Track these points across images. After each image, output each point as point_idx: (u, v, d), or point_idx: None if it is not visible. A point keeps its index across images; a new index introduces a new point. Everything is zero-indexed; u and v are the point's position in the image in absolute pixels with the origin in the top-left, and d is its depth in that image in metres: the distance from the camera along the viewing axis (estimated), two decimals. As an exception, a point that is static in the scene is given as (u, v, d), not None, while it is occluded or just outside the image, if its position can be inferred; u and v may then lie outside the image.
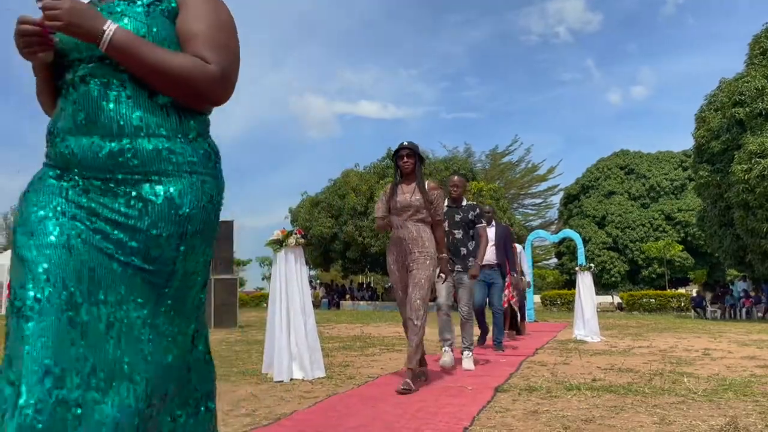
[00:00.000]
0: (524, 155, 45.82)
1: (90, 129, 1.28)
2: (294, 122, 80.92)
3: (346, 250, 29.27)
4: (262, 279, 51.84)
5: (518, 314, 8.91)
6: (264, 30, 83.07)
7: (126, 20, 1.31)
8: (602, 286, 36.46)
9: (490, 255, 6.67)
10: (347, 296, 30.55)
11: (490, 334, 7.06)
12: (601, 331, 8.43)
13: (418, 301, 4.11)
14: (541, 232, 21.66)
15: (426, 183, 4.46)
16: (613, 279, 38.07)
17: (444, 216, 4.80)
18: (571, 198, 42.77)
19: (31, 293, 1.20)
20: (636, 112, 77.83)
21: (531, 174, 45.93)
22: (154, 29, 1.33)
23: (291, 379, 4.43)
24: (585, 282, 8.46)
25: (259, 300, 29.15)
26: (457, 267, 5.14)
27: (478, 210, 5.39)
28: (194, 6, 1.39)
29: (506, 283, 7.56)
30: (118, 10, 1.32)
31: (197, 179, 1.34)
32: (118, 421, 1.17)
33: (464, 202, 5.42)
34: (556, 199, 45.94)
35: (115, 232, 1.27)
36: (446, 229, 5.13)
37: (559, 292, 27.74)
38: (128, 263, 1.26)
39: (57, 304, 1.19)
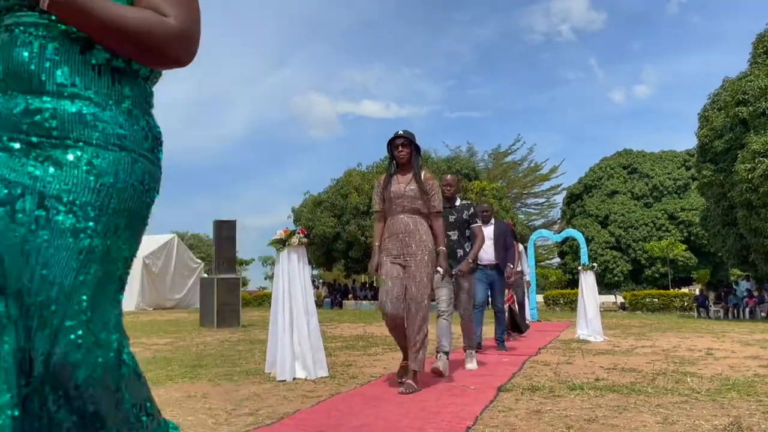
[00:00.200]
0: (527, 154, 45.82)
1: (9, 83, 1.12)
2: (297, 121, 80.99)
3: (348, 249, 29.28)
4: (265, 278, 51.98)
5: (517, 313, 8.74)
6: (267, 29, 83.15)
7: None
8: (605, 285, 36.44)
9: (490, 254, 6.59)
10: (350, 296, 30.54)
11: (488, 336, 6.88)
12: (604, 331, 8.42)
13: (423, 301, 3.99)
14: (544, 232, 21.64)
15: (422, 173, 4.24)
16: (616, 278, 38.03)
17: None
18: (574, 197, 42.73)
19: None
20: (639, 111, 77.77)
21: (534, 173, 45.88)
22: None
23: (294, 379, 4.43)
24: (588, 281, 8.45)
25: (262, 299, 29.15)
26: (455, 270, 4.96)
27: (472, 209, 5.21)
28: None
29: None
30: None
31: (127, 156, 1.16)
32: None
33: (458, 202, 5.24)
34: (559, 198, 45.95)
35: (25, 198, 1.09)
36: None
37: (562, 292, 27.69)
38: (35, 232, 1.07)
39: None
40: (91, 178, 1.11)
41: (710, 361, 5.68)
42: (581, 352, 6.46)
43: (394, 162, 4.29)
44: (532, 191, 46.52)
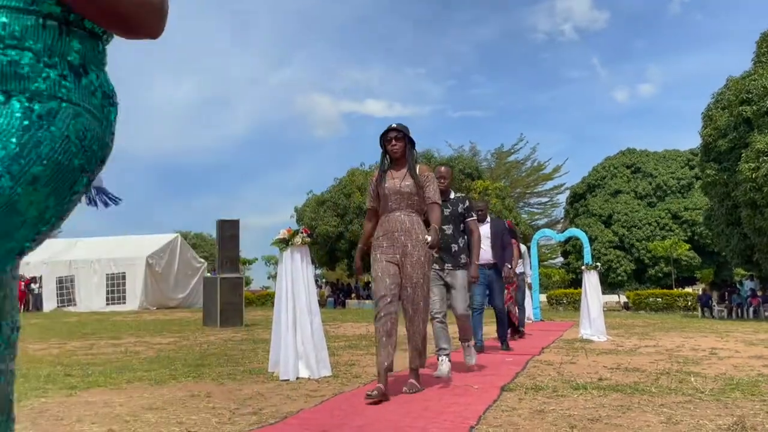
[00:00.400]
0: (530, 154, 45.71)
1: None
2: (300, 121, 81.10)
3: (351, 249, 29.26)
4: (268, 278, 52.10)
5: (516, 315, 8.52)
6: (270, 29, 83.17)
7: None
8: (608, 285, 36.37)
9: (487, 253, 6.44)
10: (353, 295, 30.54)
11: (490, 336, 6.80)
12: (607, 331, 8.41)
13: (421, 303, 3.88)
14: (547, 231, 21.62)
15: (417, 167, 4.02)
16: (620, 278, 37.98)
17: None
18: (577, 197, 42.69)
19: None
20: (642, 110, 77.65)
21: (537, 173, 45.80)
22: None
23: (297, 378, 4.44)
24: (591, 281, 8.43)
25: (265, 299, 29.18)
26: (448, 265, 4.74)
27: (468, 202, 4.96)
28: None
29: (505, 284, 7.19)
30: None
31: (69, 107, 1.04)
32: None
33: (452, 195, 4.99)
34: (562, 197, 45.89)
35: None
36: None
37: (565, 291, 27.66)
38: None
39: None
40: (24, 121, 0.99)
41: (714, 360, 5.67)
42: (584, 351, 6.45)
43: (388, 157, 4.07)
44: (535, 191, 46.46)
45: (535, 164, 45.68)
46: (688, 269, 37.55)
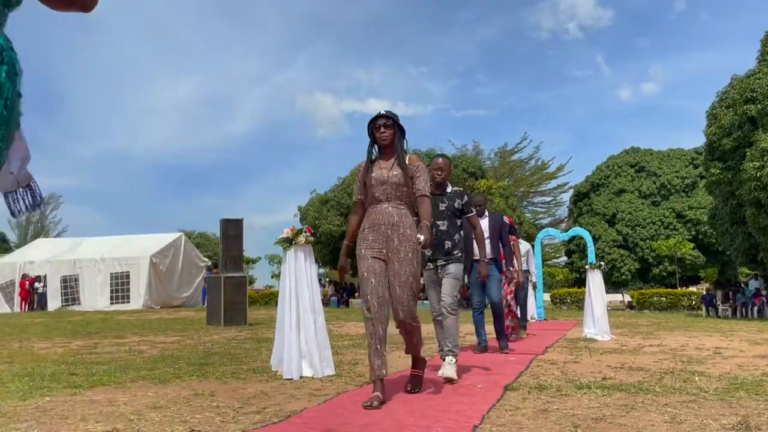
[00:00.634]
0: (534, 153, 45.72)
1: None
2: (303, 121, 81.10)
3: (355, 248, 29.32)
4: (272, 277, 52.10)
5: (516, 314, 8.33)
6: (272, 28, 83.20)
7: None
8: (612, 284, 36.33)
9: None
10: (356, 294, 30.55)
11: (492, 336, 6.63)
12: (611, 330, 8.39)
13: (411, 303, 3.60)
14: (551, 230, 21.59)
15: (407, 157, 3.78)
16: (624, 277, 37.91)
17: None
18: (581, 196, 42.62)
19: None
20: (647, 109, 77.40)
21: (540, 172, 45.78)
22: None
23: (301, 377, 4.44)
24: (595, 280, 8.42)
25: (269, 298, 29.24)
26: (440, 261, 4.53)
27: (466, 198, 4.70)
28: None
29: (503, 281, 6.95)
30: None
31: None
32: None
33: (449, 189, 4.74)
34: (566, 197, 45.84)
35: None
36: None
37: (569, 291, 27.65)
38: None
39: None
40: None
41: (718, 360, 5.66)
42: (588, 350, 6.44)
43: (376, 146, 3.82)
44: (539, 190, 46.44)
45: (539, 163, 45.69)
46: (692, 268, 37.46)
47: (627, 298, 30.27)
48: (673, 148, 41.95)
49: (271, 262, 49.89)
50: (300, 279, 4.68)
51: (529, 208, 45.37)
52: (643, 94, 75.09)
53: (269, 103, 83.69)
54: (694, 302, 24.72)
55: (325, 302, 25.32)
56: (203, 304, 20.46)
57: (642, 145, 43.36)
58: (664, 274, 37.29)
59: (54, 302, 21.78)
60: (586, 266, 8.75)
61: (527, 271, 8.58)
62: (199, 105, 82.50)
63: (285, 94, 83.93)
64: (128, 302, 21.49)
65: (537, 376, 4.55)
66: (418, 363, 3.94)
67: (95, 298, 21.65)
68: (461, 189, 4.82)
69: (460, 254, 4.57)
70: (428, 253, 4.53)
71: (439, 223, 4.54)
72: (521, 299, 8.78)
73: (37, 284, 22.17)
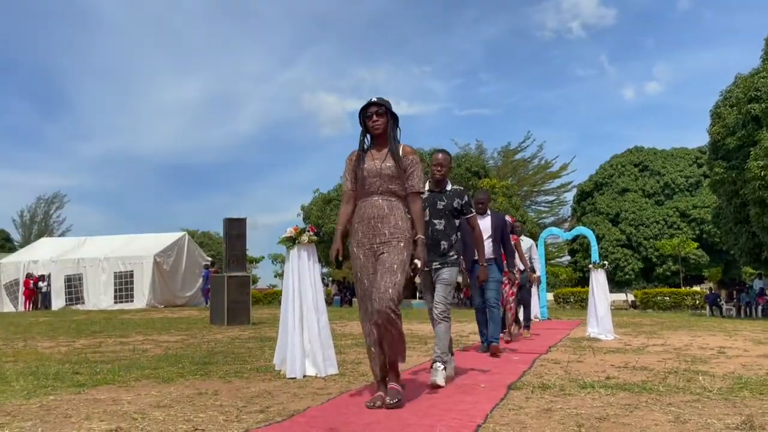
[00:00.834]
0: (537, 152, 45.54)
1: None
2: (307, 120, 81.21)
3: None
4: (275, 276, 52.14)
5: (516, 313, 8.25)
6: (276, 28, 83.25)
7: None
8: (616, 283, 36.30)
9: (486, 248, 5.98)
10: (359, 293, 30.55)
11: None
12: (614, 329, 8.38)
13: (390, 291, 3.22)
14: (554, 230, 21.55)
15: (401, 148, 3.56)
16: (627, 276, 37.88)
17: (424, 202, 4.00)
18: (584, 195, 42.59)
19: None
20: (650, 108, 77.32)
21: (544, 171, 45.65)
22: None
23: (304, 376, 4.44)
24: (598, 279, 8.41)
25: (272, 297, 29.25)
26: (435, 264, 4.33)
27: (466, 198, 4.50)
28: None
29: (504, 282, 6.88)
30: None
31: None
32: None
33: (449, 187, 4.55)
34: (570, 196, 45.79)
35: None
36: (426, 218, 4.32)
37: (573, 290, 27.59)
38: None
39: None
40: None
41: (722, 359, 5.64)
42: (592, 350, 6.43)
43: (368, 135, 3.61)
44: (542, 189, 46.33)
45: (542, 162, 45.55)
46: (696, 268, 37.41)
47: (630, 297, 30.20)
48: (677, 147, 41.89)
49: (275, 262, 49.97)
50: (303, 278, 4.68)
51: (533, 207, 45.27)
52: (646, 93, 75.07)
53: (273, 102, 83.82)
54: (697, 302, 24.65)
55: (328, 301, 25.33)
56: (206, 303, 20.48)
57: (646, 144, 43.34)
58: (668, 273, 37.24)
59: (58, 301, 21.82)
60: (590, 265, 8.74)
61: (525, 271, 8.43)
62: (204, 104, 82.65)
63: (289, 94, 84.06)
64: (132, 301, 21.53)
65: (540, 375, 4.54)
66: (393, 373, 3.47)
67: (99, 297, 21.69)
68: (462, 188, 4.63)
69: (455, 257, 4.40)
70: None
71: (436, 221, 4.40)
72: (525, 299, 8.74)
73: (41, 283, 22.22)
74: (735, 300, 22.96)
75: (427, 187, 4.47)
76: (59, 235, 47.76)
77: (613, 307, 12.06)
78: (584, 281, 33.86)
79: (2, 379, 4.37)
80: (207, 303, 21.87)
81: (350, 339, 7.82)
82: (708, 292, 25.50)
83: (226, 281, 11.10)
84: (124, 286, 21.87)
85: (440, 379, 3.99)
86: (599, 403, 3.41)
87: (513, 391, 3.83)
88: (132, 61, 79.37)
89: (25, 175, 78.69)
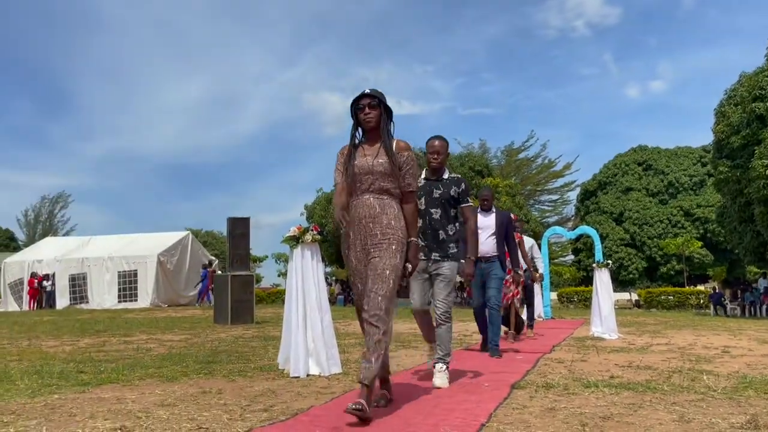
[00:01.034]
0: (540, 151, 45.53)
1: None
2: (310, 119, 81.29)
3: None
4: (279, 275, 52.24)
5: (519, 312, 8.11)
6: (279, 28, 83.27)
7: None
8: (620, 282, 36.22)
9: (490, 245, 5.87)
10: (363, 293, 30.56)
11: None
12: (618, 329, 8.37)
13: (378, 299, 3.07)
14: (558, 229, 21.52)
15: (394, 143, 3.36)
16: (631, 276, 37.79)
17: (420, 191, 3.85)
18: (588, 194, 42.52)
19: None
20: (654, 106, 77.24)
21: (547, 170, 45.61)
22: None
23: (308, 375, 4.44)
24: (602, 279, 8.40)
25: (276, 296, 29.30)
26: (434, 255, 4.13)
27: (463, 185, 4.29)
28: None
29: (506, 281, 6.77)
30: None
31: None
32: None
33: (446, 175, 4.34)
34: (573, 195, 45.72)
35: None
36: (422, 207, 4.18)
37: (576, 289, 27.57)
38: None
39: None
40: None
41: (727, 359, 5.63)
42: (596, 349, 6.43)
43: (360, 129, 3.42)
44: (545, 188, 46.29)
45: (546, 161, 45.52)
46: (700, 267, 37.31)
47: (634, 296, 30.16)
48: (681, 146, 41.79)
49: (278, 261, 50.05)
50: (307, 277, 4.68)
51: (536, 206, 45.23)
52: (650, 92, 74.98)
53: (276, 102, 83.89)
54: (702, 301, 24.60)
55: (332, 300, 25.35)
56: (209, 302, 20.52)
57: (649, 143, 43.24)
58: (672, 272, 37.15)
59: (62, 300, 21.88)
60: (594, 265, 8.73)
61: (527, 270, 8.38)
62: (206, 104, 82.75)
63: (292, 93, 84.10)
64: (136, 300, 21.57)
65: (544, 374, 4.54)
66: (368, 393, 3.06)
67: (103, 296, 21.74)
68: (459, 176, 4.40)
69: (455, 250, 4.19)
70: (422, 242, 4.15)
71: (432, 211, 4.20)
72: (528, 298, 8.72)
73: (45, 283, 22.29)
74: (739, 299, 22.91)
75: (423, 175, 4.33)
76: (63, 235, 47.93)
77: (617, 307, 12.04)
78: (588, 280, 33.84)
79: (7, 377, 4.39)
80: (198, 303, 21.99)
81: (354, 338, 7.82)
82: (712, 291, 25.44)
83: (230, 280, 11.11)
84: (128, 285, 21.91)
85: (443, 382, 3.97)
86: (603, 402, 3.40)
87: (517, 390, 3.83)
88: (134, 61, 79.58)
89: (28, 175, 79.09)
